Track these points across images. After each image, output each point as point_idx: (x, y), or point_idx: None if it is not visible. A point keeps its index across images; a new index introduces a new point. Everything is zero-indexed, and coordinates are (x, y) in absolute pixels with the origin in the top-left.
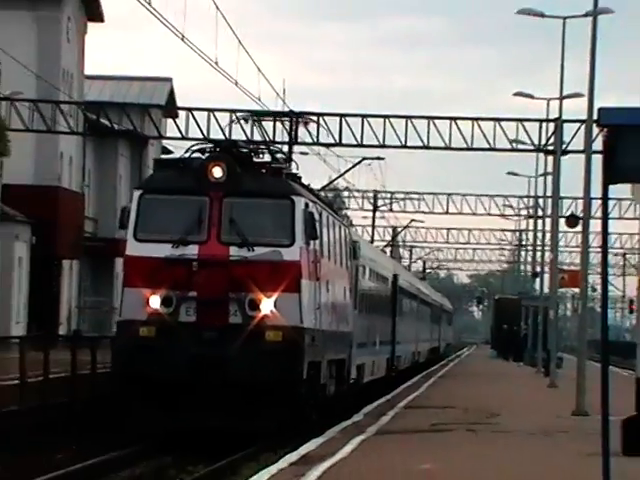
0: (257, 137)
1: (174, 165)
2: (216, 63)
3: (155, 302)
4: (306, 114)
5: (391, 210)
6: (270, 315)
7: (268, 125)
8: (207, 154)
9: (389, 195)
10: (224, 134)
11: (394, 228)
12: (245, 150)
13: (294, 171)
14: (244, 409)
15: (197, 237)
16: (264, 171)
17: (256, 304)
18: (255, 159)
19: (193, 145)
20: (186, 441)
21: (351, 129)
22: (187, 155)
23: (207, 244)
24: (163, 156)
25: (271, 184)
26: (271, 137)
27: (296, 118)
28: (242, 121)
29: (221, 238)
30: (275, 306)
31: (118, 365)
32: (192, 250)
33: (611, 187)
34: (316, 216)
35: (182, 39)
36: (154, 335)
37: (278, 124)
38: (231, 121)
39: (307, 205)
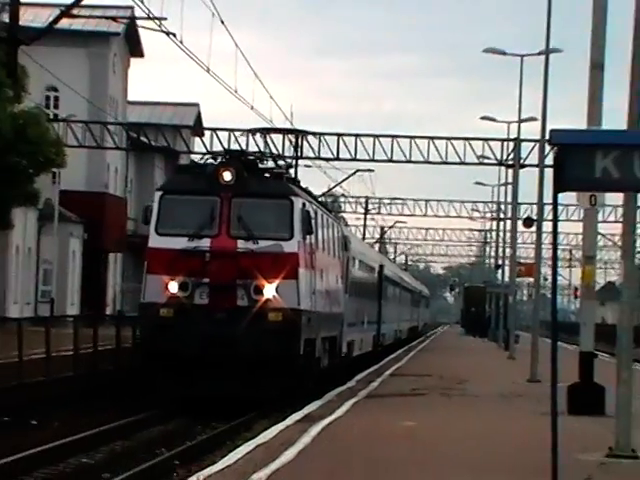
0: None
1: (191, 170)
2: (235, 91)
3: (173, 287)
4: (309, 133)
5: (379, 213)
6: (272, 299)
7: (278, 142)
8: (219, 161)
9: (378, 200)
10: (240, 147)
11: (382, 228)
12: (251, 157)
13: (293, 176)
14: (250, 380)
15: (209, 232)
16: (267, 175)
17: (260, 289)
18: (260, 165)
19: (209, 153)
20: (202, 407)
21: (347, 146)
22: (203, 162)
23: (218, 238)
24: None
25: (273, 186)
26: (280, 152)
27: (300, 135)
28: (257, 134)
29: (230, 233)
30: (276, 291)
31: (141, 341)
32: (205, 243)
33: (560, 195)
34: (312, 214)
35: (207, 71)
36: (172, 315)
37: (286, 142)
38: (248, 130)
39: (304, 205)
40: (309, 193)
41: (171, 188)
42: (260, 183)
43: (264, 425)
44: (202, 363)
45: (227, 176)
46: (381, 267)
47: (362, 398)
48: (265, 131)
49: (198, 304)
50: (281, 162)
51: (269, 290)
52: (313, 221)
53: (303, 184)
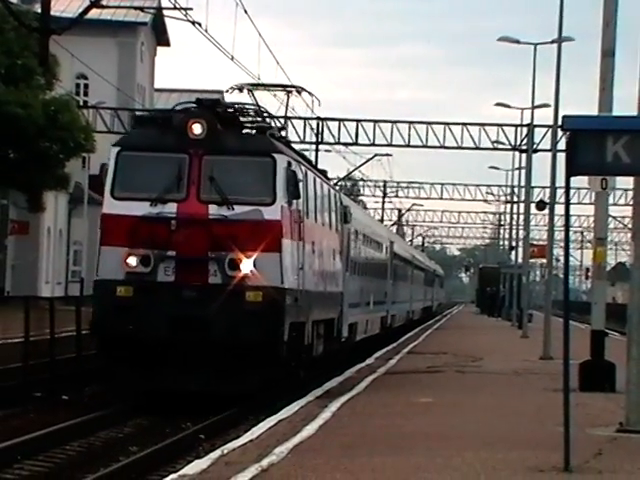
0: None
1: (155, 122)
2: (258, 79)
3: (133, 261)
4: (330, 119)
5: (397, 196)
6: (250, 275)
7: (299, 128)
8: (188, 111)
9: (395, 184)
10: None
11: (399, 210)
12: (229, 109)
13: (281, 134)
14: (224, 370)
15: (176, 195)
16: (247, 130)
17: (236, 264)
18: (240, 119)
19: (177, 104)
20: (169, 404)
21: (365, 131)
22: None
23: (186, 202)
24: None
25: (252, 142)
26: (302, 138)
27: (321, 121)
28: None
29: (200, 196)
30: (255, 266)
31: (95, 325)
32: (171, 208)
33: (572, 178)
34: (300, 176)
35: (232, 59)
36: (132, 295)
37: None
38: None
39: (290, 164)
40: (299, 153)
41: (130, 144)
42: (237, 138)
43: (271, 409)
44: (167, 351)
45: (197, 129)
46: (391, 244)
47: (381, 375)
48: (288, 118)
49: (162, 281)
50: (266, 116)
51: (247, 265)
52: (302, 184)
53: (323, 168)
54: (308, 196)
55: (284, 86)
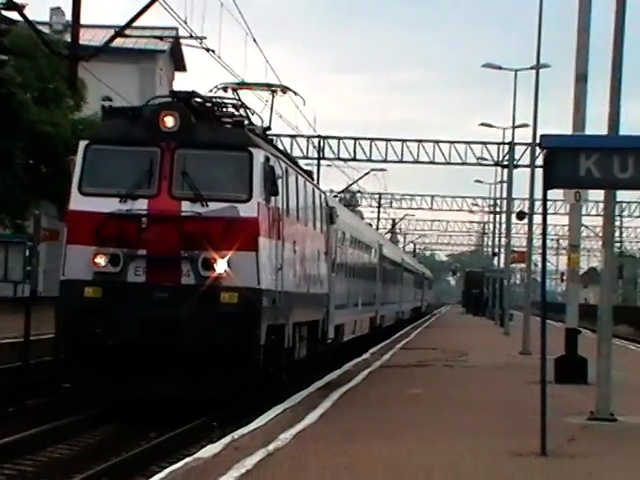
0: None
1: (125, 114)
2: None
3: (101, 260)
4: (330, 137)
5: (391, 207)
6: (225, 275)
7: (303, 146)
8: (161, 103)
9: (390, 196)
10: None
11: (393, 220)
12: (205, 102)
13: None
14: (197, 375)
15: (147, 191)
16: (224, 124)
17: (210, 264)
18: (217, 113)
19: (152, 98)
20: (140, 410)
21: (362, 148)
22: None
23: (157, 198)
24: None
25: (228, 135)
26: (305, 154)
27: (322, 139)
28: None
29: (172, 192)
30: (230, 266)
31: (62, 328)
32: (141, 205)
33: (549, 191)
34: (278, 172)
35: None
36: (100, 296)
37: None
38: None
39: (267, 159)
40: (280, 151)
41: (99, 137)
42: (212, 131)
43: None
44: (137, 356)
45: (169, 122)
46: (380, 247)
47: (376, 368)
48: (293, 137)
49: (132, 282)
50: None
51: (221, 264)
52: (281, 181)
53: (325, 182)
54: (289, 194)
55: (269, 85)
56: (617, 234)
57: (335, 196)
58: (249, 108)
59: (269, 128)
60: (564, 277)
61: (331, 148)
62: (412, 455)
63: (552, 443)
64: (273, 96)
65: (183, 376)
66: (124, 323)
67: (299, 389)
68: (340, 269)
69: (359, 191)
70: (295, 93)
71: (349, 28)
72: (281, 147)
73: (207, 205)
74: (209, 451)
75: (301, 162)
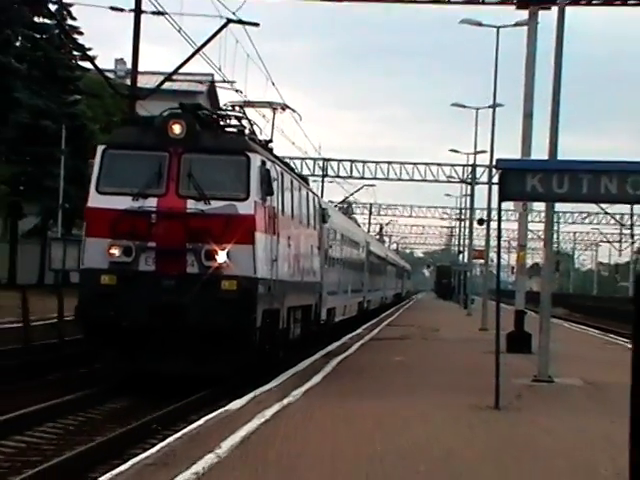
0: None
1: (138, 123)
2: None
3: (116, 251)
4: (333, 160)
5: (379, 214)
6: (225, 265)
7: (310, 166)
8: (169, 113)
9: (378, 206)
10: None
11: (381, 225)
12: (209, 113)
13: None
14: (200, 354)
15: (156, 190)
16: (225, 132)
17: (212, 255)
18: (221, 123)
19: (165, 110)
20: (148, 384)
21: (357, 168)
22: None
23: (165, 197)
24: None
25: (229, 142)
26: (312, 172)
27: (326, 161)
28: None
29: (179, 192)
30: (230, 257)
31: (81, 311)
32: (151, 203)
33: (503, 203)
34: (274, 175)
35: (263, 117)
36: (115, 283)
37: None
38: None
39: (264, 163)
40: (278, 158)
41: (115, 142)
42: (214, 138)
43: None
44: (147, 336)
45: (177, 129)
46: (367, 243)
47: (367, 341)
48: (303, 159)
49: (143, 271)
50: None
51: (222, 256)
52: (276, 183)
53: (328, 195)
54: (284, 195)
55: (270, 103)
56: (555, 237)
57: (335, 206)
58: (250, 120)
59: (271, 141)
60: (514, 270)
61: (332, 168)
62: (395, 409)
63: (504, 399)
64: (274, 113)
65: (188, 355)
66: (136, 307)
67: (295, 364)
68: (332, 261)
69: (354, 202)
70: (293, 110)
71: (347, 74)
72: (292, 165)
73: (209, 203)
74: (236, 404)
75: (309, 178)
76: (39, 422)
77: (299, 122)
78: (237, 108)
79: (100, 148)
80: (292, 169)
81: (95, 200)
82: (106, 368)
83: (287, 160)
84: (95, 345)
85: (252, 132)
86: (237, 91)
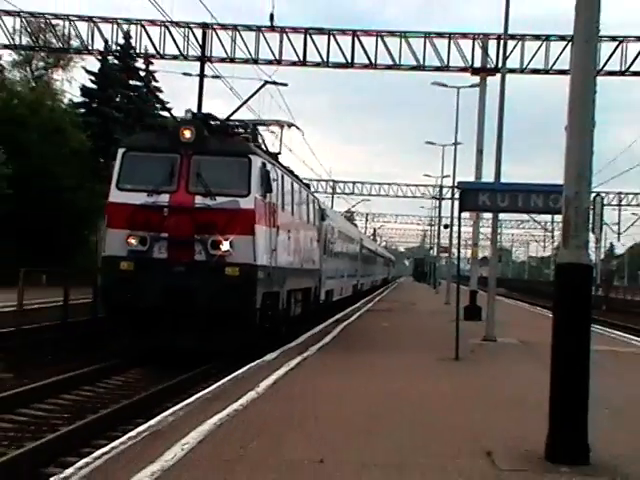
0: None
1: (154, 128)
2: (303, 161)
3: (133, 241)
4: (340, 181)
5: (373, 221)
6: (228, 254)
7: (322, 186)
8: (181, 120)
9: (372, 215)
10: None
11: (374, 229)
12: (218, 121)
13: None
14: (207, 332)
15: (168, 187)
16: (230, 137)
17: (217, 244)
18: (229, 131)
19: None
20: (162, 358)
21: (357, 188)
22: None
23: (176, 193)
24: None
25: (233, 145)
26: (325, 190)
27: (334, 183)
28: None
29: (188, 189)
30: (233, 246)
31: (103, 294)
32: (164, 198)
33: (462, 213)
34: (274, 175)
35: (290, 151)
36: (132, 269)
37: (328, 187)
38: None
39: (264, 164)
40: (287, 169)
41: (133, 145)
42: (220, 142)
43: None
44: (161, 316)
45: (187, 134)
46: (361, 240)
47: (364, 312)
48: (316, 180)
49: (157, 258)
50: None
51: (226, 245)
52: (276, 183)
53: (336, 207)
54: (284, 194)
55: (277, 121)
56: (498, 237)
57: (341, 215)
58: (257, 130)
59: (279, 153)
60: (469, 261)
61: (339, 187)
62: (383, 359)
63: (461, 353)
64: (282, 129)
65: (197, 332)
66: (150, 290)
67: (296, 337)
68: (330, 252)
69: (355, 212)
70: (297, 128)
71: (352, 118)
72: (307, 182)
73: (215, 199)
74: (270, 357)
75: (320, 196)
76: (84, 382)
77: (315, 154)
78: (252, 125)
79: (120, 150)
80: (296, 176)
81: (115, 196)
82: (126, 343)
83: (306, 181)
84: (116, 323)
85: (255, 139)
86: (272, 132)
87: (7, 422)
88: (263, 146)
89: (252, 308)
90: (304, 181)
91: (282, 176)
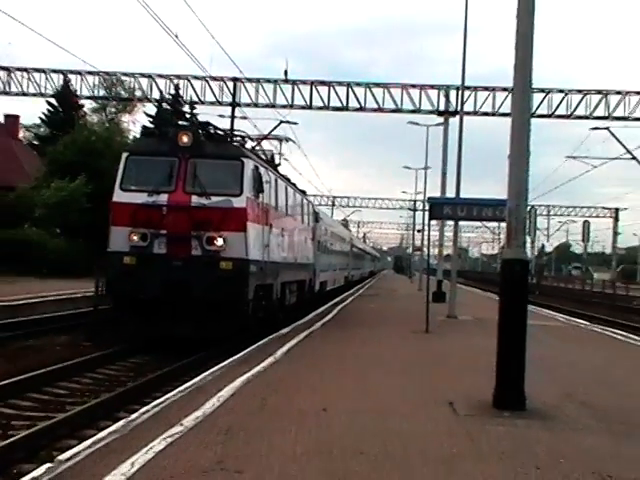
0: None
1: (155, 134)
2: (309, 181)
3: (135, 237)
4: (338, 197)
5: (364, 227)
6: (222, 249)
7: (324, 200)
8: (180, 126)
9: (363, 223)
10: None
11: (364, 233)
12: (214, 129)
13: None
14: (203, 321)
15: (167, 188)
16: (225, 142)
17: (212, 240)
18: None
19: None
20: (163, 344)
21: (352, 202)
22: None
23: (174, 193)
24: None
25: (227, 149)
26: (327, 204)
27: (334, 198)
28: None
29: (185, 189)
30: (226, 242)
31: (109, 286)
32: (163, 198)
33: (432, 221)
34: (267, 178)
35: (300, 174)
36: (134, 263)
37: (329, 201)
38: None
39: (257, 167)
40: (283, 176)
41: (135, 150)
42: (215, 146)
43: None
44: (161, 306)
45: (185, 139)
46: (351, 239)
47: (356, 297)
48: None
49: (157, 253)
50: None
51: (220, 241)
52: (269, 185)
53: (335, 216)
54: (278, 196)
55: (276, 136)
56: (458, 239)
57: (339, 222)
58: (249, 135)
59: (279, 164)
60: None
61: (337, 201)
62: (371, 331)
63: (430, 327)
64: (281, 143)
65: (193, 322)
66: (151, 283)
67: (294, 321)
68: (324, 249)
69: (349, 220)
70: (294, 142)
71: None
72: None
73: (210, 198)
74: (284, 330)
75: (323, 207)
76: (104, 363)
77: (318, 176)
78: (255, 140)
79: (124, 155)
80: (292, 183)
81: (118, 196)
82: (130, 331)
83: (312, 196)
84: (121, 313)
85: (254, 149)
86: (285, 160)
87: (88, 378)
88: (270, 158)
89: (244, 299)
90: (308, 195)
91: (276, 180)
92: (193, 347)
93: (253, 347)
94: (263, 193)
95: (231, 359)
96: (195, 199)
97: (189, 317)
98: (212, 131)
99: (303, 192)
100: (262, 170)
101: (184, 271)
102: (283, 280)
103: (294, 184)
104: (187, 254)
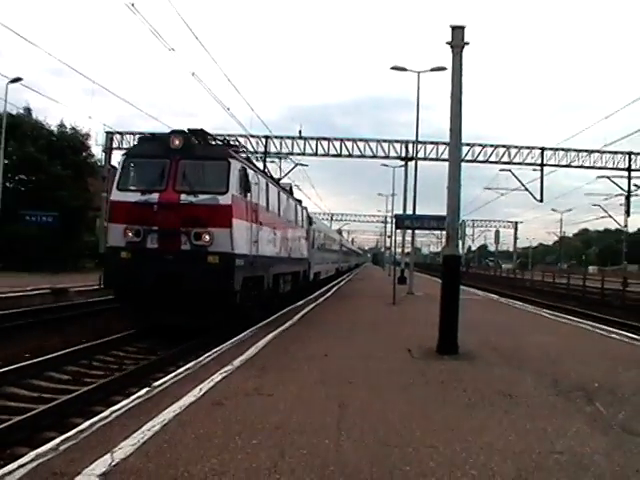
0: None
1: (150, 139)
2: (309, 198)
3: (129, 233)
4: (336, 213)
5: (352, 234)
6: (209, 244)
7: (325, 216)
8: (172, 130)
9: (353, 231)
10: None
11: (352, 237)
12: (207, 135)
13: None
14: (193, 310)
15: (158, 187)
16: (214, 145)
17: (200, 236)
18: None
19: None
20: (159, 332)
21: (345, 218)
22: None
23: (165, 192)
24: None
25: (215, 151)
26: (327, 218)
27: (331, 215)
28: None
29: (175, 188)
30: (213, 237)
31: (107, 278)
32: (154, 196)
33: (397, 230)
34: (255, 179)
35: (309, 198)
36: (130, 257)
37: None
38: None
39: (244, 168)
40: (278, 182)
41: (132, 152)
42: (204, 149)
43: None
44: (154, 297)
45: (176, 142)
46: (341, 240)
47: (345, 282)
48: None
49: (150, 248)
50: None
51: (207, 236)
52: (257, 186)
53: (333, 227)
54: (269, 198)
55: (277, 154)
56: (416, 241)
57: (337, 231)
58: (245, 148)
59: (281, 179)
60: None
61: (335, 217)
62: (357, 302)
63: (396, 301)
64: (281, 161)
65: (185, 311)
66: (145, 275)
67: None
68: (317, 247)
69: (342, 230)
70: (291, 159)
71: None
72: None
73: (198, 196)
74: (279, 314)
75: (324, 221)
76: (113, 347)
77: (321, 199)
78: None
79: (122, 157)
80: (289, 189)
81: (116, 195)
82: (127, 320)
83: (316, 214)
84: (121, 303)
85: (250, 160)
86: (299, 189)
87: (111, 356)
88: (270, 175)
89: (231, 290)
90: (316, 213)
91: (267, 184)
92: (185, 334)
93: (277, 314)
94: (250, 192)
95: (261, 323)
96: (184, 197)
97: (181, 307)
98: (202, 137)
99: (299, 201)
100: (250, 172)
101: (175, 264)
102: (276, 272)
103: (289, 192)
104: (177, 249)
